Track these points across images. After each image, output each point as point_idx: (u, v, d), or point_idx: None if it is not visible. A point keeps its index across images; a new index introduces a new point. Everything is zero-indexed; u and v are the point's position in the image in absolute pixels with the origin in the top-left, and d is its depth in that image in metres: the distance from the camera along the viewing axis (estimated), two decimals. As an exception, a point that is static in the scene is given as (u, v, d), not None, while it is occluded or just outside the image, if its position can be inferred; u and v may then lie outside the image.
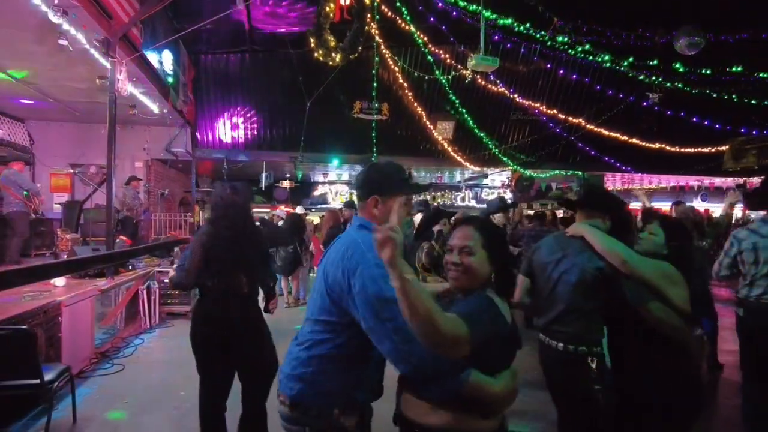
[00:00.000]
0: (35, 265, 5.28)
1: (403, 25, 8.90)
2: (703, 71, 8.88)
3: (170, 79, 9.19)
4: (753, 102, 9.69)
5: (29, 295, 4.55)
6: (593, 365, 2.29)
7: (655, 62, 8.81)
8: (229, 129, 12.78)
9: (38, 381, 3.23)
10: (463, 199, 19.50)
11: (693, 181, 18.20)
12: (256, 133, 12.97)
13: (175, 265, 3.27)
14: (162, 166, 12.56)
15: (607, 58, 8.52)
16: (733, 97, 9.50)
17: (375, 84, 11.46)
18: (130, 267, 7.01)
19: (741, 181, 16.32)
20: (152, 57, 8.04)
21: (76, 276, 5.77)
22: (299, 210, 9.50)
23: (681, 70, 8.49)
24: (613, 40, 8.26)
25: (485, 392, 1.46)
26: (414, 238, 4.13)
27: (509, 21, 7.65)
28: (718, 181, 17.89)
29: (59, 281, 5.29)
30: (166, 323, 7.07)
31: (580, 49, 8.24)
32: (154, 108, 9.27)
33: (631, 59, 8.70)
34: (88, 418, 3.84)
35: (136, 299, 6.78)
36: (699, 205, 18.00)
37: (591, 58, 8.63)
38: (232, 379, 3.03)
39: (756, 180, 15.90)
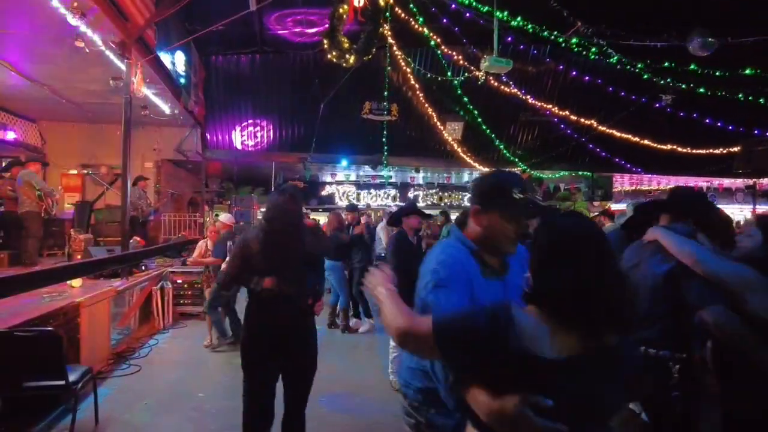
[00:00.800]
0: (59, 266, 5.32)
1: (415, 26, 8.89)
2: (717, 73, 8.81)
3: (182, 80, 9.22)
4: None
5: (48, 297, 4.58)
6: (675, 370, 2.19)
7: (672, 65, 8.72)
8: (239, 130, 12.81)
9: (63, 382, 3.26)
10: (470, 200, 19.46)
11: (702, 182, 18.09)
12: (265, 133, 13.00)
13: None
14: (172, 166, 12.59)
15: (624, 60, 8.46)
16: (749, 98, 9.40)
17: (387, 85, 11.45)
18: (143, 267, 7.05)
19: (751, 182, 16.25)
20: (165, 58, 8.08)
21: (91, 277, 5.81)
22: None
23: (698, 72, 8.40)
24: (630, 42, 8.18)
25: (472, 395, 1.26)
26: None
27: (524, 23, 7.61)
28: (727, 182, 17.79)
29: (76, 282, 5.32)
30: (179, 324, 7.10)
31: (595, 50, 8.18)
32: (166, 109, 9.31)
33: (648, 61, 8.64)
34: (109, 419, 3.86)
35: (150, 300, 6.81)
36: (708, 206, 17.86)
37: (612, 60, 8.54)
38: (276, 381, 3.04)
39: (766, 182, 15.83)
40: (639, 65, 8.78)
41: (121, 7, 5.83)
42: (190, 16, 9.05)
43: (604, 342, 1.23)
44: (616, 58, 8.51)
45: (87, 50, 5.90)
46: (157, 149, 11.38)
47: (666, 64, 8.93)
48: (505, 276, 1.71)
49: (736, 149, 12.82)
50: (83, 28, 5.43)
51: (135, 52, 6.36)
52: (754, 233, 2.35)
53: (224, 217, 6.75)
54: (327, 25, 7.76)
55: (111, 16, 5.57)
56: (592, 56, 8.55)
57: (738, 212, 19.03)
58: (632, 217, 2.95)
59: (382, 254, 8.86)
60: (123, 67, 6.39)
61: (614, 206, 15.32)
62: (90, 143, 10.72)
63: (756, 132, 11.58)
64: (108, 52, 6.28)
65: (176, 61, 8.83)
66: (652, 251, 2.35)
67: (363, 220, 7.65)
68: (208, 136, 12.57)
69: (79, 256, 6.97)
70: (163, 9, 6.65)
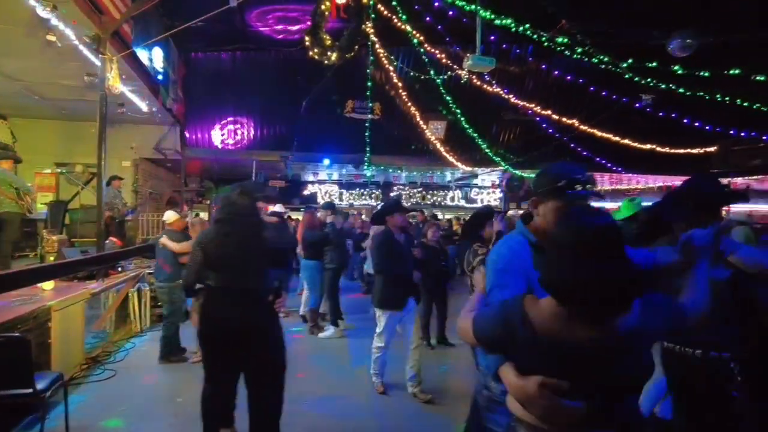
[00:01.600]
0: (30, 268, 5.10)
1: (398, 24, 8.81)
2: (702, 74, 8.89)
3: (160, 77, 9.01)
4: (745, 104, 9.76)
5: (18, 300, 4.41)
6: (736, 372, 2.20)
7: (654, 64, 8.79)
8: (220, 128, 12.60)
9: (31, 390, 3.11)
10: (452, 199, 19.54)
11: (679, 181, 18.42)
12: (246, 131, 12.82)
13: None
14: (150, 165, 12.35)
15: (606, 59, 8.49)
16: (727, 99, 9.54)
17: (369, 83, 11.36)
18: (119, 269, 6.85)
19: (725, 181, 16.61)
20: (142, 54, 7.88)
21: (64, 279, 5.62)
22: (278, 208, 8.72)
23: (679, 72, 8.49)
24: (615, 41, 8.24)
25: (503, 375, 1.47)
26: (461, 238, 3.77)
27: (508, 21, 7.58)
28: (703, 181, 18.13)
29: (47, 285, 5.12)
30: (157, 326, 6.89)
31: (579, 50, 8.19)
32: (143, 106, 9.09)
33: (630, 61, 8.69)
34: (82, 428, 3.71)
35: (126, 302, 6.61)
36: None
37: (595, 60, 8.55)
38: (237, 379, 3.04)
39: (740, 180, 16.19)
40: (622, 65, 8.82)
41: (96, 0, 5.64)
42: (169, 12, 8.84)
43: (612, 325, 1.33)
44: (599, 58, 8.54)
45: (59, 44, 5.69)
46: (134, 147, 11.13)
47: (648, 64, 8.99)
48: None
49: (713, 149, 13.09)
50: (54, 21, 5.23)
51: (110, 47, 6.15)
52: None
53: (168, 215, 5.82)
54: (309, 22, 7.67)
55: (84, 8, 5.38)
56: (576, 55, 8.56)
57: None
58: (643, 222, 2.92)
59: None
60: (98, 62, 6.19)
61: (598, 204, 15.49)
62: (64, 141, 10.42)
63: (732, 132, 11.80)
64: (82, 47, 6.07)
65: (154, 57, 8.62)
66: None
67: (329, 219, 7.16)
68: (188, 134, 12.34)
69: (52, 258, 6.74)
70: (140, 3, 6.46)
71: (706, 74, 8.78)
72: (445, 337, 6.28)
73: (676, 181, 18.29)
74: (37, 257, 7.74)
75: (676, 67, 8.54)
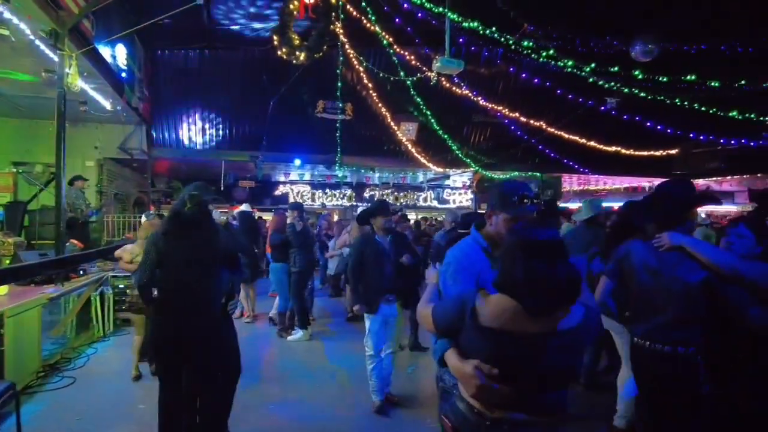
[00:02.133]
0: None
1: (368, 25, 8.79)
2: (660, 78, 9.16)
3: (124, 75, 8.76)
4: (702, 109, 10.11)
5: (-32, 307, 4.22)
6: (702, 367, 2.31)
7: (615, 69, 9.03)
8: (188, 127, 12.34)
9: (-22, 401, 2.98)
10: (425, 200, 19.64)
11: (644, 182, 18.99)
12: (215, 131, 12.60)
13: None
14: (116, 165, 12.02)
15: (570, 63, 8.67)
16: (686, 103, 9.88)
17: (339, 83, 11.30)
18: (81, 272, 6.62)
19: (687, 182, 17.18)
20: (104, 51, 7.64)
21: (20, 283, 5.40)
22: (245, 208, 8.17)
23: (640, 77, 8.75)
24: (577, 46, 8.42)
25: (448, 358, 1.71)
26: (446, 244, 3.65)
27: (475, 24, 7.66)
28: (666, 183, 18.70)
29: (1, 290, 4.92)
30: (121, 331, 6.71)
31: (544, 54, 8.34)
32: (107, 104, 8.84)
33: (593, 65, 8.91)
34: (36, 439, 3.57)
35: (89, 306, 6.40)
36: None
37: (560, 63, 8.71)
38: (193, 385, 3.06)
39: (701, 182, 16.80)
40: (585, 69, 9.03)
41: (52, -6, 5.44)
42: (133, 8, 8.60)
43: (552, 322, 1.54)
44: (564, 62, 8.72)
45: (13, 39, 5.47)
46: (99, 147, 10.81)
47: (611, 68, 9.23)
48: None
49: (674, 152, 13.54)
50: (7, 14, 5.02)
51: (69, 43, 5.93)
52: (745, 233, 2.44)
53: (143, 220, 5.84)
54: (278, 21, 7.59)
55: (40, 2, 5.17)
56: (538, 57, 8.70)
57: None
58: (614, 224, 3.10)
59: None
60: (56, 58, 5.96)
61: (562, 205, 15.84)
62: (23, 140, 10.04)
63: (692, 136, 12.21)
64: (38, 42, 5.85)
65: (117, 54, 8.37)
66: (678, 259, 2.37)
67: (289, 220, 6.80)
68: (155, 134, 12.04)
69: (7, 261, 6.47)
70: (101, -2, 6.25)
71: (665, 79, 9.06)
72: (418, 342, 6.10)
73: (643, 182, 18.88)
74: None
75: (637, 72, 8.79)
